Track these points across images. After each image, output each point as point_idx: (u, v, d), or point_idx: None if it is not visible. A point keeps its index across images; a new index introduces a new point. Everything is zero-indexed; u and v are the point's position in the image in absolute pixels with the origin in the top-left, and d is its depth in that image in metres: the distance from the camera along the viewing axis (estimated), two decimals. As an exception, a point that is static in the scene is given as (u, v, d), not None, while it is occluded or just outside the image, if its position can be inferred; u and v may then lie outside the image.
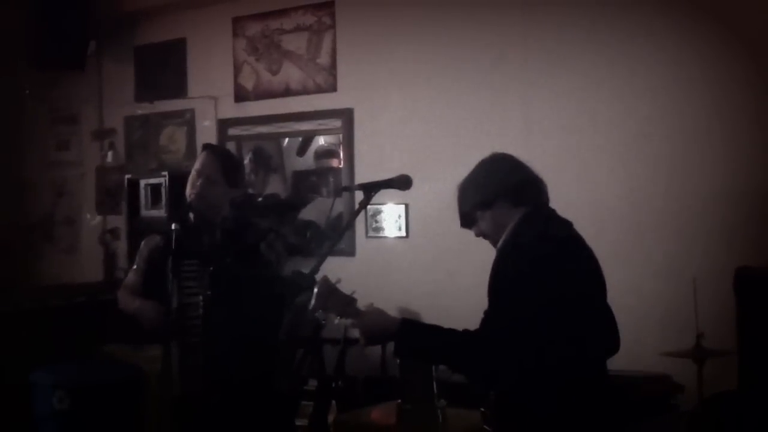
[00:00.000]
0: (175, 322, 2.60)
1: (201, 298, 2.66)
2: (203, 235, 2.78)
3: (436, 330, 2.04)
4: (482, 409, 2.82)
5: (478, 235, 2.18)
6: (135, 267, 2.91)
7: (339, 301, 2.08)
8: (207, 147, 2.94)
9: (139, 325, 2.71)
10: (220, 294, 2.66)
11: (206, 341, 2.66)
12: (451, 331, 2.02)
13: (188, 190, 2.79)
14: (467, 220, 2.18)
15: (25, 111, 5.61)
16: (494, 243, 2.14)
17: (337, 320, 2.07)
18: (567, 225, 2.13)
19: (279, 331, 2.14)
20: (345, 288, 2.12)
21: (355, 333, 4.01)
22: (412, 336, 2.04)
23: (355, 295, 2.13)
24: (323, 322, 2.09)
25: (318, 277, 2.10)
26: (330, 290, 2.06)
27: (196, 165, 2.82)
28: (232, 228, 2.81)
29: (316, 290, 2.04)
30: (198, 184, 2.75)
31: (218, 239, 2.78)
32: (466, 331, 2.01)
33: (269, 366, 2.71)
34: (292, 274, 2.69)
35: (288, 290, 2.22)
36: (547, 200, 2.16)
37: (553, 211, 2.15)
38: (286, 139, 4.72)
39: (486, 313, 2.04)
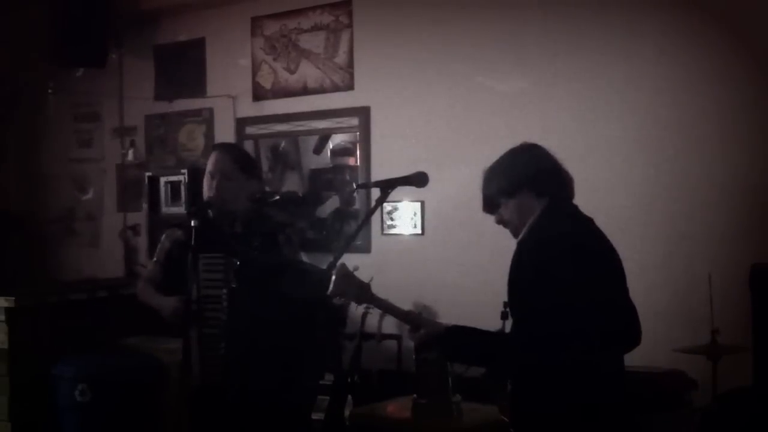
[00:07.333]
0: (197, 314, 2.64)
1: (225, 290, 2.69)
2: (225, 228, 2.82)
3: (479, 335, 2.08)
4: (500, 401, 2.86)
5: (498, 222, 2.19)
6: (155, 260, 2.95)
7: (355, 286, 2.12)
8: (216, 147, 2.98)
9: (160, 317, 2.76)
10: (246, 286, 2.69)
11: (230, 334, 2.69)
12: (491, 335, 2.10)
13: (205, 193, 2.81)
14: (490, 205, 2.18)
15: (48, 108, 5.69)
16: (514, 231, 2.15)
17: (355, 308, 2.13)
18: (589, 221, 2.15)
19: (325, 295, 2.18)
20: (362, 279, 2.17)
21: (371, 327, 4.07)
22: (458, 343, 2.09)
23: (371, 289, 2.18)
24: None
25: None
26: (346, 275, 2.11)
27: (209, 167, 2.83)
28: (253, 221, 2.85)
29: (333, 277, 2.10)
30: (214, 184, 2.77)
31: (240, 232, 2.82)
32: (501, 334, 2.05)
33: (291, 359, 2.75)
34: (313, 268, 2.74)
35: (313, 282, 2.27)
36: (572, 195, 2.18)
37: (576, 207, 2.16)
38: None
39: (505, 305, 2.09)
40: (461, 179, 3.56)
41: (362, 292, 2.14)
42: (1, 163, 5.82)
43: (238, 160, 2.85)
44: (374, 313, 3.81)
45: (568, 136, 3.81)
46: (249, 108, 4.95)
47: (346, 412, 3.66)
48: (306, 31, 4.74)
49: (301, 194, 4.75)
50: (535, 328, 1.97)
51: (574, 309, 1.94)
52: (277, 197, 4.76)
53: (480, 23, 4.16)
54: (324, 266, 2.21)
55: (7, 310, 4.16)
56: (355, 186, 4.54)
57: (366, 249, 4.45)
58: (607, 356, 2.06)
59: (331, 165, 4.67)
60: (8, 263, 5.34)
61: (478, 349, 2.07)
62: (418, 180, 2.30)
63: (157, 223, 4.96)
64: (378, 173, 4.37)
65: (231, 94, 5.00)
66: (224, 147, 3.01)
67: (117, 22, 5.23)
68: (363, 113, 4.53)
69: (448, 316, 3.43)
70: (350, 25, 4.58)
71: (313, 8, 4.69)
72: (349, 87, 4.58)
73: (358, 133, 4.56)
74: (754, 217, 3.47)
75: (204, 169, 2.89)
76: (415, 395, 3.31)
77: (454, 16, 4.24)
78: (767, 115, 3.47)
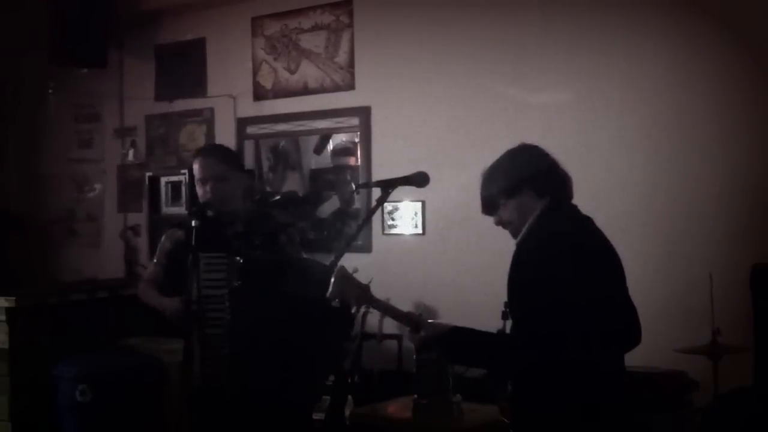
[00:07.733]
0: (198, 314, 2.64)
1: (227, 290, 2.69)
2: (226, 227, 2.83)
3: (479, 337, 2.08)
4: (500, 402, 2.86)
5: (497, 223, 2.19)
6: (155, 260, 2.95)
7: (354, 288, 2.12)
8: (199, 153, 2.94)
9: (161, 317, 2.76)
10: (249, 285, 2.69)
11: (233, 333, 2.68)
12: (491, 336, 2.10)
13: (201, 199, 2.81)
14: (489, 206, 2.18)
15: (49, 108, 5.70)
16: (514, 232, 2.15)
17: (353, 309, 2.12)
18: (588, 221, 2.15)
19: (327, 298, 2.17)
20: (361, 280, 2.17)
21: (372, 327, 4.07)
22: (459, 344, 2.09)
23: (371, 291, 2.18)
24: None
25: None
26: (345, 277, 2.11)
27: (198, 174, 2.82)
28: (254, 220, 2.85)
29: (332, 279, 2.10)
30: (209, 189, 2.78)
31: (241, 231, 2.82)
32: (501, 335, 2.04)
33: (294, 358, 2.74)
34: (316, 266, 2.74)
35: (317, 279, 2.27)
36: (570, 195, 2.18)
37: (575, 206, 2.17)
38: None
39: (506, 305, 2.09)
40: (462, 179, 3.55)
41: (362, 294, 2.14)
42: (1, 163, 5.82)
43: (226, 160, 2.85)
44: (375, 313, 3.82)
45: (568, 136, 3.82)
46: (249, 108, 4.95)
47: (347, 412, 3.66)
48: (306, 30, 4.74)
49: (301, 194, 4.76)
50: (535, 328, 1.97)
51: (574, 309, 1.95)
52: (278, 197, 4.81)
53: (480, 23, 4.16)
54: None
55: (8, 310, 4.16)
56: (355, 186, 4.55)
57: (367, 249, 4.45)
58: (607, 356, 2.06)
59: (331, 165, 4.68)
60: (8, 263, 5.34)
61: (478, 350, 2.07)
62: (419, 180, 2.30)
63: (158, 223, 4.98)
64: (378, 173, 4.37)
65: (231, 94, 5.01)
66: (208, 151, 2.99)
67: (117, 22, 5.24)
68: (363, 113, 4.54)
69: (448, 316, 3.45)
70: (351, 25, 4.58)
71: (314, 8, 4.69)
72: (350, 87, 4.59)
73: (358, 133, 4.56)
74: (754, 217, 3.48)
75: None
76: (415, 395, 3.32)
77: (454, 16, 4.24)
78: (767, 115, 3.47)
